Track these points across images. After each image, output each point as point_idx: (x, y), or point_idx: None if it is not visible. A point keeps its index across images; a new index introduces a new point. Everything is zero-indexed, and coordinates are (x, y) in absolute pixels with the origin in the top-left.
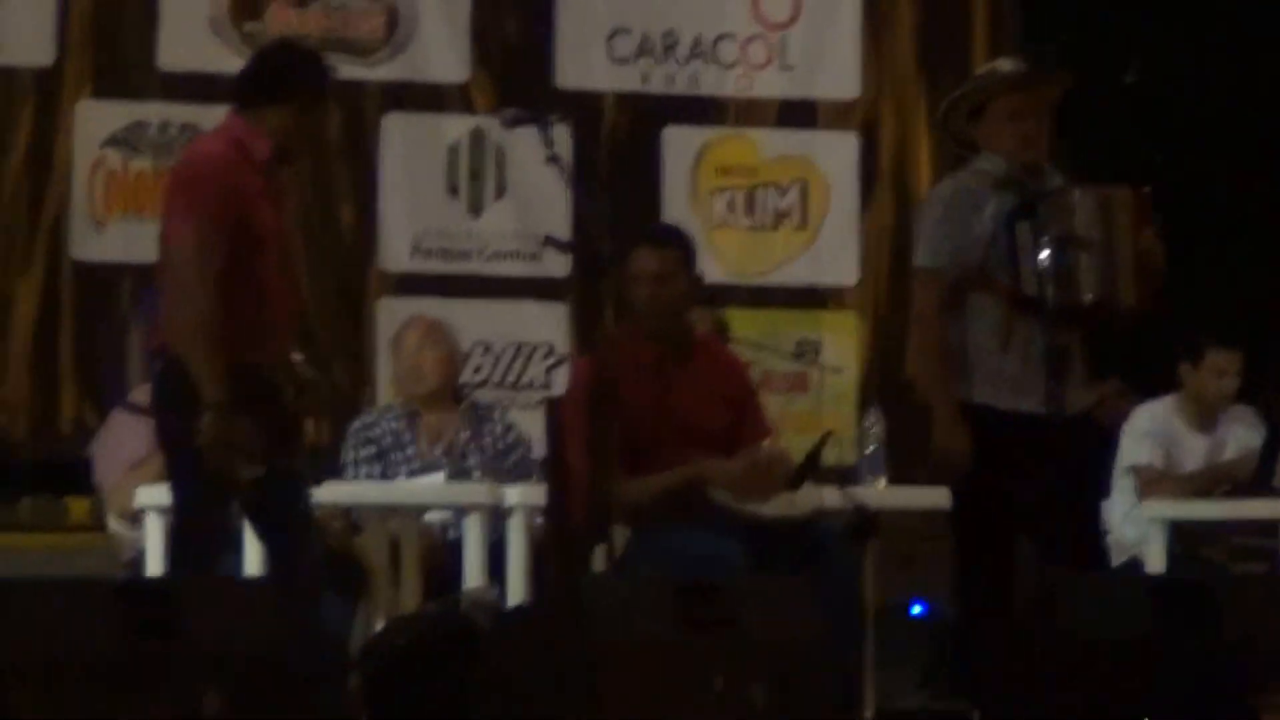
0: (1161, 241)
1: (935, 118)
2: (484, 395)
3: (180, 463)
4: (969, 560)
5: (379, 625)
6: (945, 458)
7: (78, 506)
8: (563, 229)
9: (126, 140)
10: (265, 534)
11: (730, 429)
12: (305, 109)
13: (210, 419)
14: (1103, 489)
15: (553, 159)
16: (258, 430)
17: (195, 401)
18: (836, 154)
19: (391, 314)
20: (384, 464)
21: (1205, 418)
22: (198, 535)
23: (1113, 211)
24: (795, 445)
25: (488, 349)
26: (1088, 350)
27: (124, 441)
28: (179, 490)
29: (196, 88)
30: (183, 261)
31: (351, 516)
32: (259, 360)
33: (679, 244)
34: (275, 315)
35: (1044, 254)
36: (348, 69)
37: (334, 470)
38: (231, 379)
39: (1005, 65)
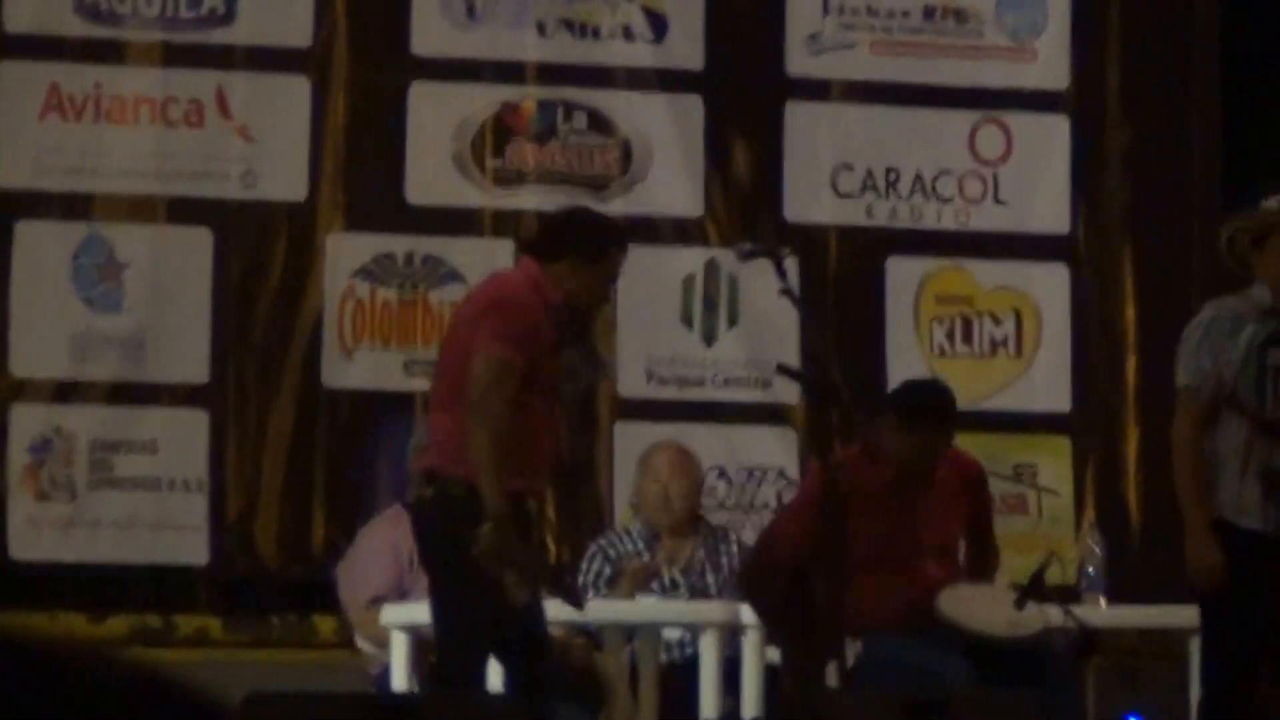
0: None
1: (1219, 239)
2: (718, 517)
3: (455, 581)
4: (1214, 679)
5: None
6: (1197, 573)
7: (325, 624)
8: (792, 357)
9: (374, 272)
10: (507, 653)
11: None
12: (592, 262)
13: (490, 529)
14: None
15: (785, 291)
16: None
17: (472, 518)
18: (1048, 285)
19: (627, 438)
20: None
21: None
22: (467, 653)
23: None
24: (1017, 566)
25: (722, 472)
26: None
27: (370, 564)
28: (449, 609)
29: (440, 221)
30: (488, 381)
31: (592, 634)
32: (522, 490)
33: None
34: (540, 454)
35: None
36: (584, 203)
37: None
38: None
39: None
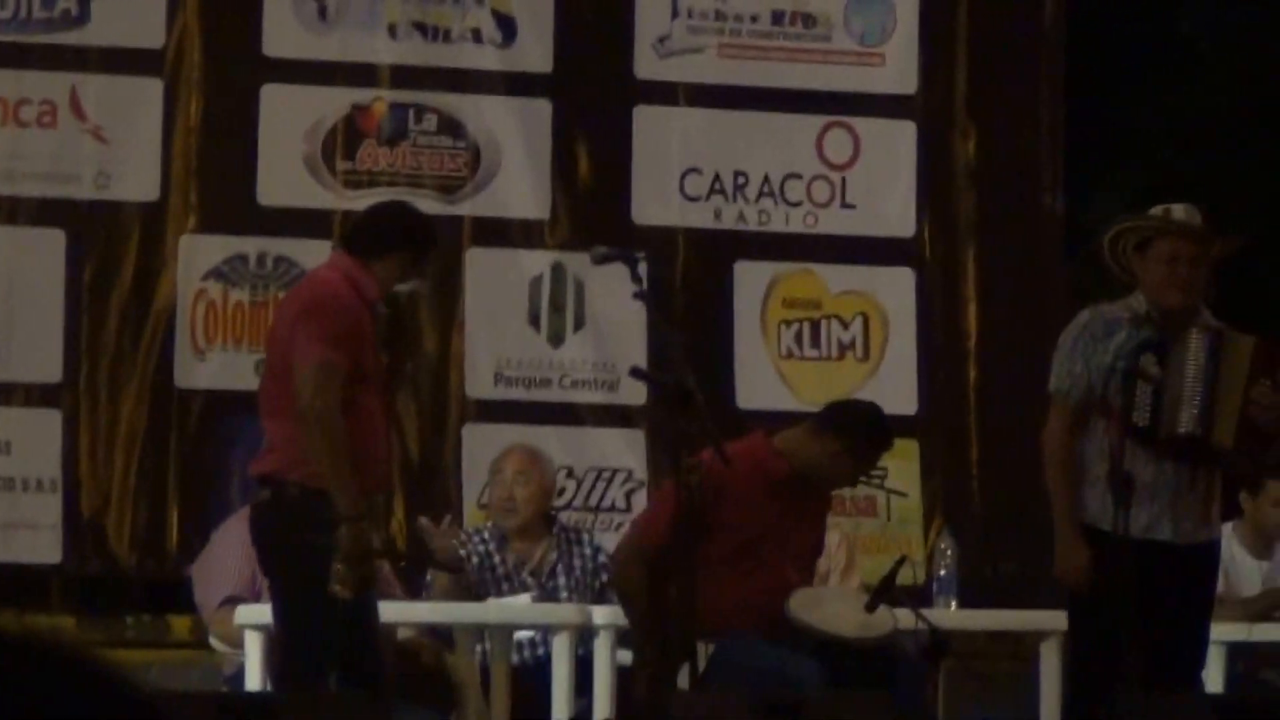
0: None
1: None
2: (565, 518)
3: (297, 583)
4: (1079, 678)
5: None
6: (1065, 574)
7: (180, 624)
8: (639, 360)
9: (225, 273)
10: (345, 653)
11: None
12: (415, 261)
13: (349, 530)
14: None
15: (639, 294)
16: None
17: (309, 521)
18: (895, 289)
19: (475, 439)
20: (465, 580)
21: (1263, 544)
22: (311, 652)
23: (1228, 354)
24: (868, 567)
25: (570, 473)
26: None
27: (224, 564)
28: (293, 610)
29: (292, 222)
30: (314, 386)
31: (443, 635)
32: (368, 487)
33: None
34: (379, 449)
35: (1153, 386)
36: (434, 206)
37: (422, 589)
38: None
39: (1179, 212)
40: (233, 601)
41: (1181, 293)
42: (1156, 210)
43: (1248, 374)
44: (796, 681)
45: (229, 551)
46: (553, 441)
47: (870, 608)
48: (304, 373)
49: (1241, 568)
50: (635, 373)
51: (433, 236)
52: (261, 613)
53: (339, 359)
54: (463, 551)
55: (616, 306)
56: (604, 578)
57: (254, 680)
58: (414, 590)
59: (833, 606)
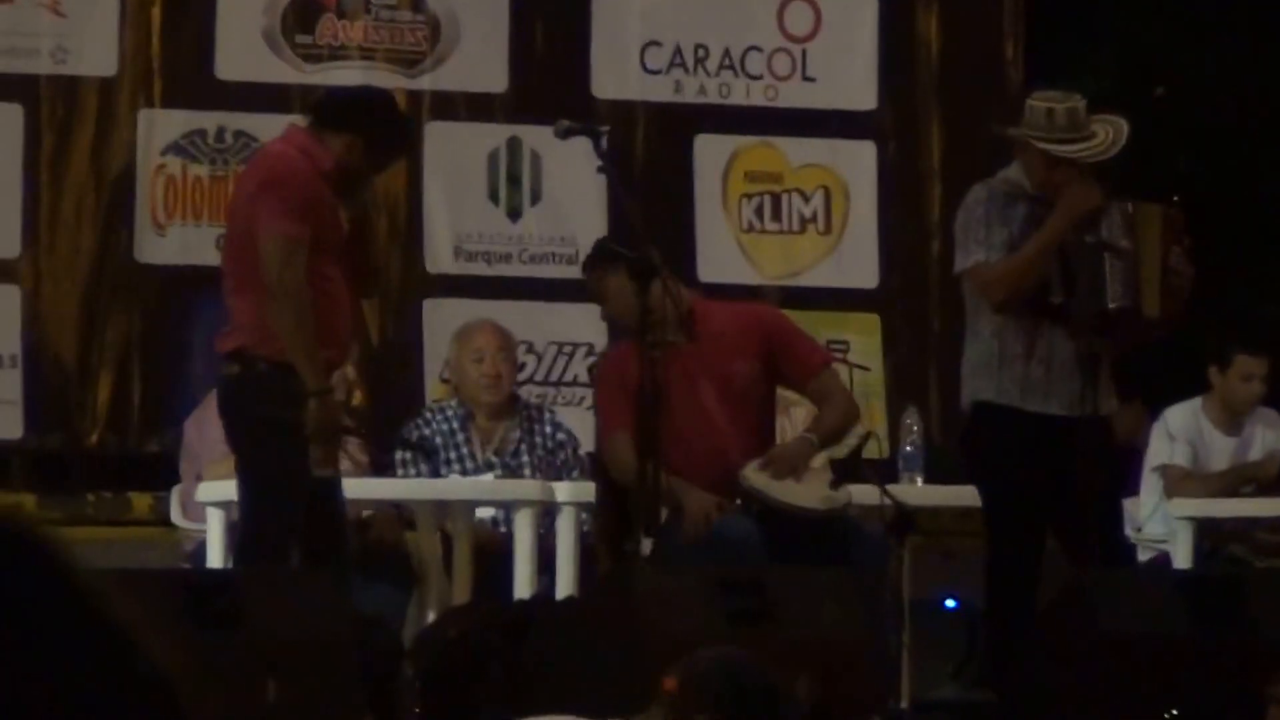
0: (1192, 260)
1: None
2: (528, 394)
3: (263, 458)
4: (999, 556)
5: (431, 618)
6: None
7: (141, 502)
8: (597, 233)
9: (185, 148)
10: (309, 529)
11: (768, 374)
12: (372, 148)
13: (318, 405)
14: (1131, 487)
15: (603, 168)
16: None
17: (278, 395)
18: (856, 162)
19: (436, 314)
20: (434, 462)
21: (1232, 420)
22: (274, 529)
23: (1141, 225)
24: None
25: (530, 348)
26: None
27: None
28: (258, 486)
29: (251, 97)
30: (280, 261)
31: (403, 512)
32: (334, 359)
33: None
34: (343, 319)
35: (1070, 261)
36: (393, 80)
37: (386, 466)
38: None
39: (1041, 116)
40: None
41: (1063, 185)
42: (1040, 101)
43: (1161, 240)
44: (737, 542)
45: None
46: (513, 316)
47: (835, 485)
48: (268, 248)
49: (1211, 443)
50: (601, 246)
51: (396, 129)
52: (225, 489)
53: (302, 231)
54: (427, 430)
55: (574, 180)
56: (564, 455)
57: (215, 557)
58: (378, 468)
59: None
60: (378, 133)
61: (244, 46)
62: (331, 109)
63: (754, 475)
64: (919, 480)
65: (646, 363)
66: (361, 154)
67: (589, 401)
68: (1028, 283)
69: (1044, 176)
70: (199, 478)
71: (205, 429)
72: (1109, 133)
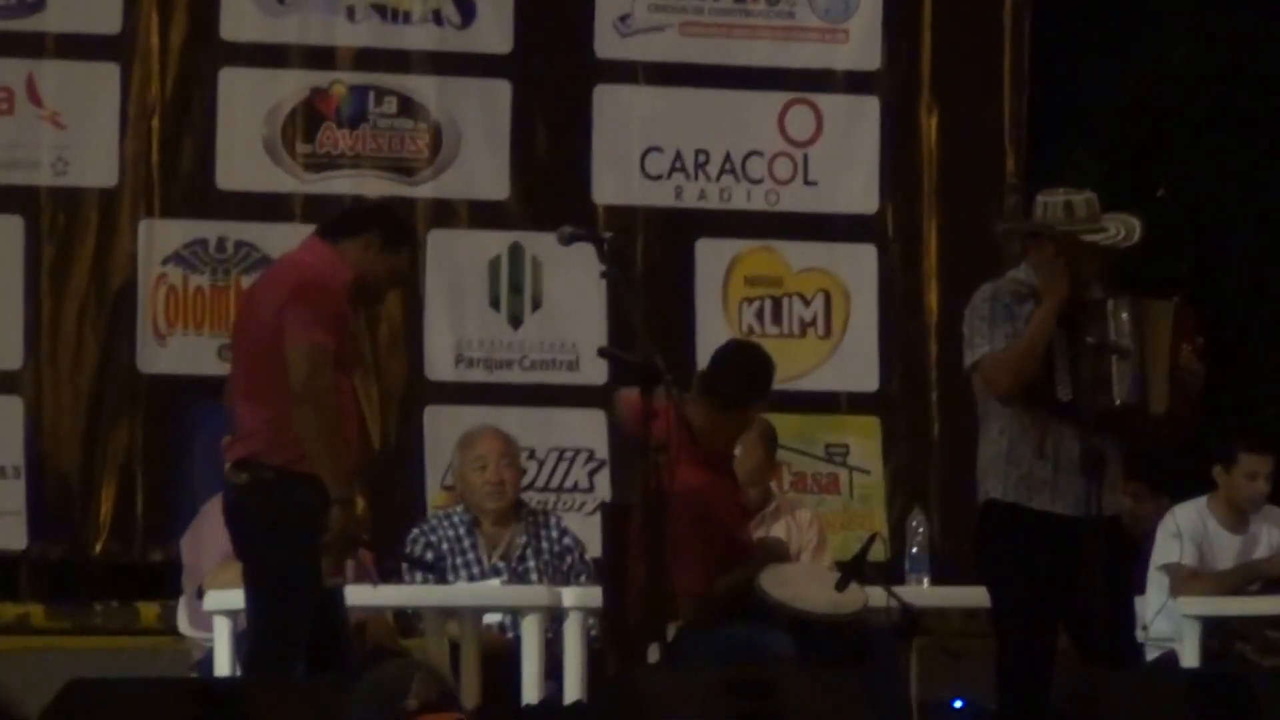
0: (1203, 358)
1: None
2: (529, 499)
3: (271, 567)
4: (1010, 656)
5: None
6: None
7: (148, 611)
8: (598, 339)
9: (186, 258)
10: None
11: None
12: (387, 242)
13: (339, 513)
14: (1137, 586)
15: (606, 274)
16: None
17: (287, 503)
18: (857, 265)
19: (437, 421)
20: (439, 571)
21: (1238, 518)
22: (282, 638)
23: (1149, 321)
24: (834, 543)
25: (532, 454)
26: (1123, 455)
27: (219, 528)
28: (266, 595)
29: (252, 206)
30: (310, 369)
31: (402, 617)
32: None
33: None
34: (354, 431)
35: (1078, 361)
36: (395, 188)
37: (389, 573)
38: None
39: (1060, 209)
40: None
41: (1072, 281)
42: (1049, 199)
43: (1171, 338)
44: (769, 652)
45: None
46: (514, 422)
47: (841, 586)
48: (298, 356)
49: (1216, 542)
50: (603, 352)
51: (403, 224)
52: (232, 598)
53: (330, 342)
54: (433, 537)
55: (574, 286)
56: (570, 560)
57: (223, 666)
58: (383, 575)
59: (803, 584)
60: (389, 225)
61: (245, 156)
62: (342, 219)
63: (769, 583)
64: (925, 582)
65: (651, 470)
66: (378, 250)
67: (590, 506)
68: (1030, 368)
69: (1052, 270)
70: (200, 592)
71: (201, 545)
72: (1120, 228)
